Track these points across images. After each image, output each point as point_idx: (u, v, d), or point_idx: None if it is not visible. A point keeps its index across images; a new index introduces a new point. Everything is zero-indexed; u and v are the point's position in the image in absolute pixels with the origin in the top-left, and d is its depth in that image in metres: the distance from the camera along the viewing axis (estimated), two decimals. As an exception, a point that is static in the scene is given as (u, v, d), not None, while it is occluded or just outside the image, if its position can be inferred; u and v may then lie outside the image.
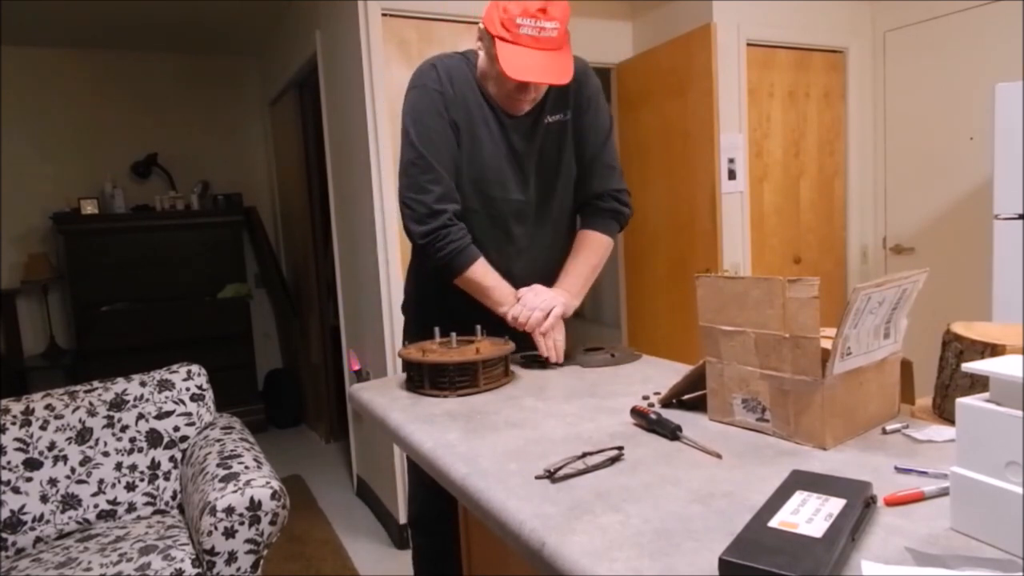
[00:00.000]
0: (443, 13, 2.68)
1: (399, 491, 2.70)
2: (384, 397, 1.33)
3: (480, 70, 1.51)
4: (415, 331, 1.65)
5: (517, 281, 1.55)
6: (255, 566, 1.71)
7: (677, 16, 3.43)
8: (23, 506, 1.93)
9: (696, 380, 1.11)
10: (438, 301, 1.59)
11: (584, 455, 0.90)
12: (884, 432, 0.95)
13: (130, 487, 2.06)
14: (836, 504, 0.69)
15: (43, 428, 2.01)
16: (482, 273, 1.49)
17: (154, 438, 2.12)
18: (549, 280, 1.59)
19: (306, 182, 3.96)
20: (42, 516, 1.94)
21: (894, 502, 0.74)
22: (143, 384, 2.17)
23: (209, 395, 2.25)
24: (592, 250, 1.60)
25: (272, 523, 1.71)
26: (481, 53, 1.48)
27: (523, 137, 1.53)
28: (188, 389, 2.20)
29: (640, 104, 3.64)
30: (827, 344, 0.88)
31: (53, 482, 1.98)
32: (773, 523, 0.66)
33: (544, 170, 1.57)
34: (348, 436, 3.38)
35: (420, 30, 2.65)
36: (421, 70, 1.52)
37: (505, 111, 1.51)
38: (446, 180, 1.47)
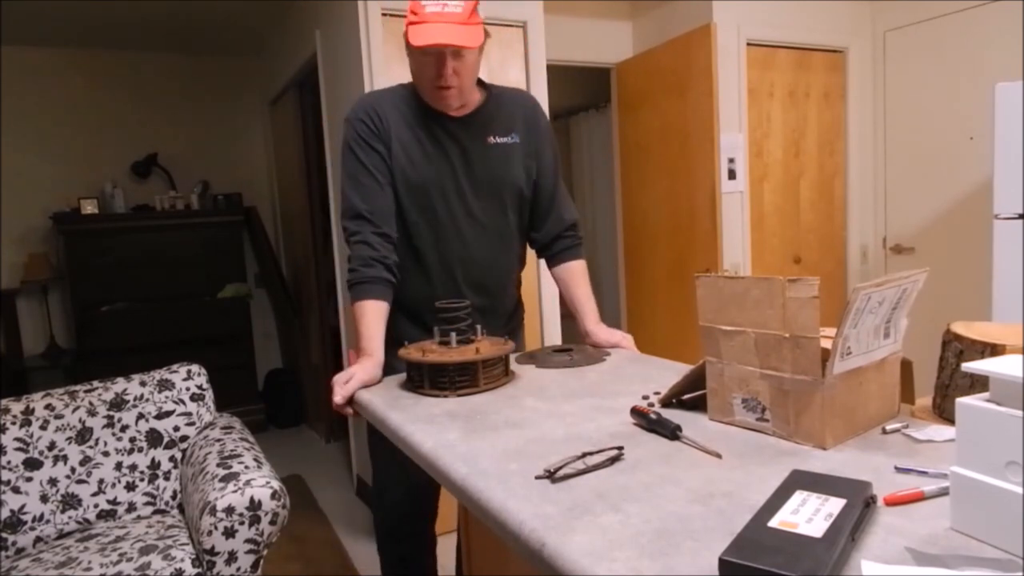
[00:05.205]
0: (443, 13, 2.68)
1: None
2: (384, 397, 1.33)
3: (413, 77, 1.56)
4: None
5: (462, 288, 1.58)
6: (255, 566, 1.71)
7: (677, 16, 3.43)
8: (23, 506, 1.93)
9: (696, 380, 1.11)
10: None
11: (584, 455, 0.90)
12: (884, 432, 0.95)
13: (130, 487, 2.06)
14: (836, 504, 0.69)
15: (43, 428, 2.01)
16: (369, 318, 1.47)
17: (154, 438, 2.12)
18: (495, 289, 1.65)
19: (306, 182, 3.95)
20: (42, 516, 1.94)
21: (894, 502, 0.74)
22: (143, 384, 2.17)
23: (209, 395, 2.24)
24: (586, 278, 1.75)
25: (272, 523, 1.71)
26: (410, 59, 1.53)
27: (467, 150, 1.57)
28: (188, 389, 2.20)
29: (640, 104, 3.64)
30: (827, 344, 0.88)
31: (53, 482, 1.98)
32: (773, 523, 0.66)
33: (490, 183, 1.59)
34: (348, 436, 3.38)
35: (420, 30, 2.65)
36: (352, 108, 1.58)
37: (437, 110, 1.54)
38: (382, 233, 1.52)
